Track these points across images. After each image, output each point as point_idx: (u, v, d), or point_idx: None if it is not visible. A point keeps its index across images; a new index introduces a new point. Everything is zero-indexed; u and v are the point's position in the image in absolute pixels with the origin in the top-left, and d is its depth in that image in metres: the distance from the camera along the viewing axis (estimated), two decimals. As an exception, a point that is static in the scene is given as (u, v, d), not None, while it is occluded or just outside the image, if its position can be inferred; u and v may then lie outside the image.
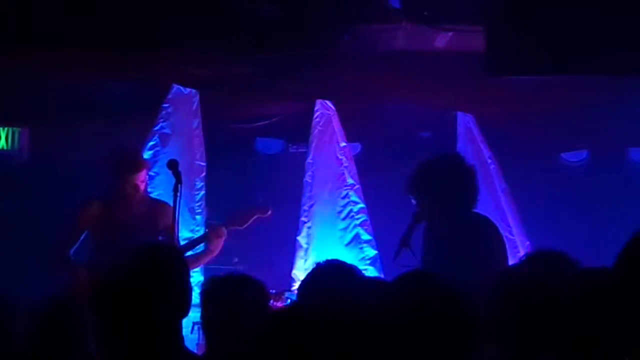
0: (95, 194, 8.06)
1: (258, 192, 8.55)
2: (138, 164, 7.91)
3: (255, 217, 8.19)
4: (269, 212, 8.26)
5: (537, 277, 4.46)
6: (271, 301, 8.24)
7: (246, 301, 4.68)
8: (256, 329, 3.68)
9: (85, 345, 4.63)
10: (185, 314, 3.94)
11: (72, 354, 4.77)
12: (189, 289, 3.99)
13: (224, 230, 7.95)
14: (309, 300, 4.63)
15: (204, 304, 4.78)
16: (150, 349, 3.75)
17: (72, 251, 7.90)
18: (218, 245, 7.95)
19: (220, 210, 8.72)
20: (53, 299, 5.02)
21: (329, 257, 8.51)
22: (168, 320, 3.83)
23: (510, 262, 6.93)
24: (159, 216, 7.84)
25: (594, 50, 6.75)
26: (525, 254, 5.22)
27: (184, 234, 8.70)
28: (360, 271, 4.92)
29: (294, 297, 8.25)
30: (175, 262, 4.02)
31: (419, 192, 6.74)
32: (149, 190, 8.22)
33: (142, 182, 7.90)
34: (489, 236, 6.70)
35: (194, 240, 8.23)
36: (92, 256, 7.93)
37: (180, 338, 3.90)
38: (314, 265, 4.86)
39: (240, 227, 8.18)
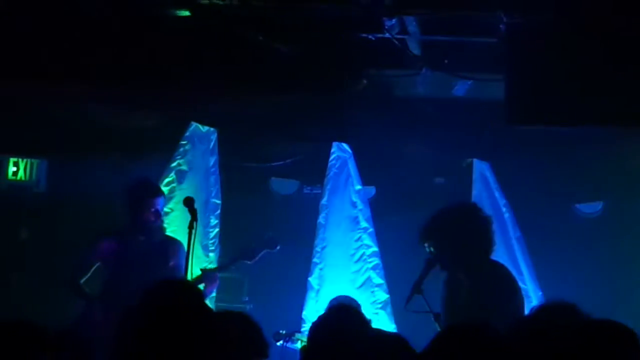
0: (110, 228, 8.11)
1: (268, 228, 8.54)
2: (158, 189, 7.99)
3: (264, 251, 8.22)
4: (278, 247, 8.29)
5: (547, 327, 4.46)
6: (282, 342, 8.29)
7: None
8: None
9: None
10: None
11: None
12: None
13: (217, 276, 7.99)
14: (320, 343, 4.65)
15: None
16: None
17: (82, 281, 7.94)
18: (211, 290, 7.98)
19: (233, 248, 8.72)
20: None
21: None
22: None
23: (524, 311, 6.92)
24: (170, 254, 7.88)
25: (614, 102, 6.75)
26: (538, 305, 5.23)
27: (196, 272, 8.69)
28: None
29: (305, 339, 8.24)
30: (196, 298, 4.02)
31: (435, 239, 6.75)
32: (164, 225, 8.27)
33: (162, 209, 7.97)
34: (505, 284, 6.71)
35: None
36: (104, 289, 7.96)
37: None
38: (326, 308, 4.88)
39: (249, 262, 8.21)
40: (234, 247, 8.76)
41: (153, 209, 7.92)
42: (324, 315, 4.94)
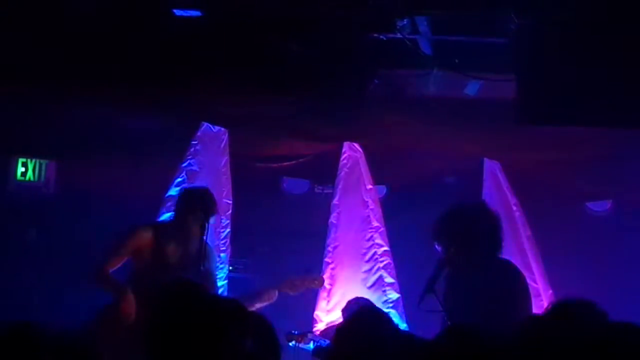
0: (150, 222, 7.98)
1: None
2: (216, 207, 7.85)
3: (307, 286, 8.17)
4: (323, 283, 8.33)
5: (563, 325, 4.46)
6: (294, 342, 8.30)
7: None
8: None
9: None
10: None
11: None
12: None
13: (276, 294, 7.92)
14: (346, 345, 4.66)
15: None
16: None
17: (111, 270, 7.78)
18: (263, 305, 7.92)
19: (244, 249, 8.72)
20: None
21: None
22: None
23: (533, 310, 6.94)
24: (203, 258, 7.78)
25: (625, 104, 6.76)
26: (554, 302, 5.23)
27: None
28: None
29: (317, 339, 8.26)
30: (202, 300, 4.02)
31: (445, 238, 6.77)
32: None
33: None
34: (514, 283, 6.73)
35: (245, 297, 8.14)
36: (133, 283, 7.78)
37: None
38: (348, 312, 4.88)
39: (291, 293, 8.12)
40: (244, 247, 8.76)
41: (205, 226, 7.69)
42: (352, 318, 4.93)
